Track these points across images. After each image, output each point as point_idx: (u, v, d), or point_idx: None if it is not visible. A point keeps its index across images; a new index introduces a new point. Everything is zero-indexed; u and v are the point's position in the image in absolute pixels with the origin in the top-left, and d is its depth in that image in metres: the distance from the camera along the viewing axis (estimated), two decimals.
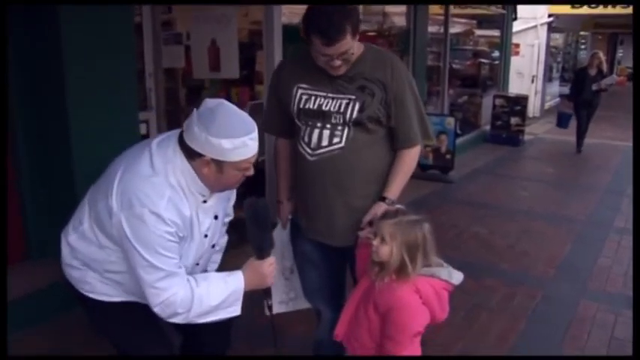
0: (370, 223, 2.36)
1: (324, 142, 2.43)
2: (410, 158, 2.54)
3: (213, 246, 2.22)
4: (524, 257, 5.26)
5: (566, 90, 12.37)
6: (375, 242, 2.14)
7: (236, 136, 1.85)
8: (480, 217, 6.31)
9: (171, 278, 1.92)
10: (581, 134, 10.37)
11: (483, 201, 7.09)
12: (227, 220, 2.36)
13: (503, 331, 3.89)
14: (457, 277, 2.19)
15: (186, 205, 1.96)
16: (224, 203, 2.23)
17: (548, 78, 15.69)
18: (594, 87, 9.99)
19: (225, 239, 2.43)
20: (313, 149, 2.46)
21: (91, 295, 2.11)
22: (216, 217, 2.14)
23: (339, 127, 2.41)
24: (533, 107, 14.13)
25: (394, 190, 2.49)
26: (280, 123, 2.63)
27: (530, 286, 4.60)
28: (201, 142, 1.87)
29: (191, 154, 1.92)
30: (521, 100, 10.99)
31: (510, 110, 10.85)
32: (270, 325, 2.29)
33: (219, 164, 1.90)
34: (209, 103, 1.93)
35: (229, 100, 2.18)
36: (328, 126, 2.42)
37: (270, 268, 2.11)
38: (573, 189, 7.86)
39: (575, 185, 8.08)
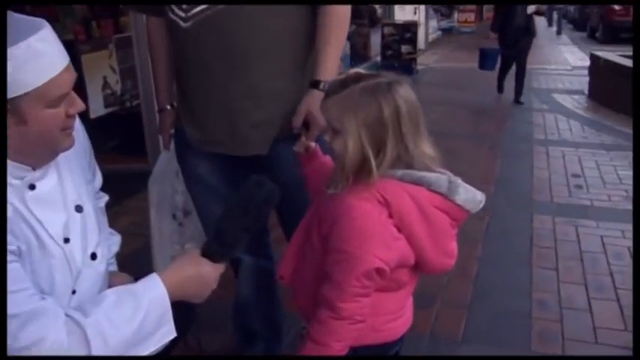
0: (306, 125, 1.69)
1: None
2: (339, 16, 1.78)
3: (93, 257, 1.38)
4: (459, 177, 4.57)
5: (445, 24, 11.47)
6: (327, 136, 1.38)
7: (14, 42, 1.11)
8: None
9: (33, 323, 1.10)
10: (504, 74, 7.88)
11: None
12: (102, 204, 1.59)
13: (462, 261, 3.14)
14: (467, 196, 1.35)
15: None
16: (80, 181, 1.40)
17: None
18: (530, 9, 7.29)
19: (116, 244, 1.63)
20: (187, 10, 1.70)
21: None
22: (78, 209, 1.35)
23: None
24: (418, 39, 13.73)
25: (328, 66, 1.75)
26: None
27: None
28: None
29: None
30: (411, 27, 10.40)
31: (400, 38, 10.23)
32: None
33: (14, 107, 1.14)
34: None
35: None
36: None
37: (216, 279, 1.33)
38: (481, 108, 7.44)
39: (482, 105, 7.68)
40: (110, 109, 4.87)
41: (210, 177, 1.92)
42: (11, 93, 1.12)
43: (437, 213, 1.34)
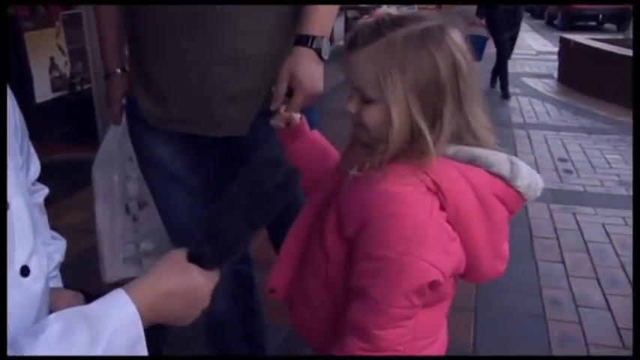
0: (289, 94, 1.31)
1: None
2: None
3: (23, 272, 0.94)
4: None
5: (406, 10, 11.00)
6: (352, 106, 1.01)
7: None
8: None
9: None
10: (503, 66, 6.89)
11: None
12: (40, 199, 1.17)
13: None
14: (530, 180, 1.01)
15: None
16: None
17: None
18: None
19: (59, 251, 1.22)
20: None
21: None
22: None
23: None
24: None
25: (321, 18, 1.35)
26: None
27: None
28: None
29: None
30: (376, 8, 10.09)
31: None
32: None
33: None
34: None
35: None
36: None
37: (209, 293, 0.92)
38: None
39: None
40: (58, 94, 4.43)
41: (171, 162, 1.52)
42: None
43: (496, 204, 1.01)
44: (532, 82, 7.61)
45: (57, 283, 1.23)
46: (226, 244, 0.88)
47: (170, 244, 1.57)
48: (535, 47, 11.58)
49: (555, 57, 8.26)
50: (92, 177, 1.78)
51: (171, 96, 1.41)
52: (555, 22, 16.44)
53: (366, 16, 1.06)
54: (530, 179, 1.01)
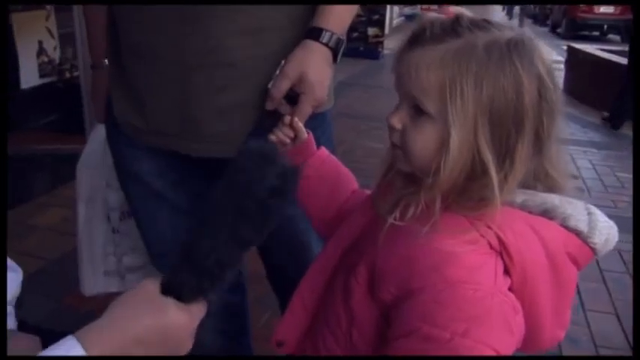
0: (291, 98, 1.08)
1: None
2: None
3: None
4: None
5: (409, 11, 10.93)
6: (397, 119, 0.80)
7: None
8: (366, 131, 5.15)
9: None
10: None
11: (363, 113, 5.84)
12: None
13: None
14: (609, 234, 0.81)
15: None
16: None
17: None
18: None
19: (14, 286, 1.05)
20: None
21: None
22: None
23: None
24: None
25: (339, 13, 1.14)
26: None
27: None
28: None
29: None
30: (379, 9, 9.92)
31: (368, 20, 9.76)
32: None
33: None
34: None
35: None
36: None
37: (191, 334, 0.73)
38: None
39: None
40: (46, 80, 4.19)
41: (155, 178, 1.31)
42: None
43: (568, 264, 0.81)
44: None
45: (12, 321, 1.02)
46: (207, 270, 0.68)
47: (150, 258, 1.41)
48: None
49: (560, 66, 8.08)
50: (76, 176, 1.59)
51: (151, 105, 1.19)
52: (559, 30, 16.27)
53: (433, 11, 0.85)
54: (608, 231, 0.81)
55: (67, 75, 4.34)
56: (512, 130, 0.75)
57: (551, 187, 0.81)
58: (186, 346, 0.73)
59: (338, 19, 1.13)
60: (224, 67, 1.12)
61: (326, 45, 1.10)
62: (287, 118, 1.07)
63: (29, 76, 4.06)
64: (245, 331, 1.55)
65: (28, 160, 3.65)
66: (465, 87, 0.74)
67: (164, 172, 1.30)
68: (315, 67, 1.09)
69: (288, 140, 1.07)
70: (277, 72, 1.09)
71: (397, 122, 0.80)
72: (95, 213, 1.59)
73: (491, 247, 0.76)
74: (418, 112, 0.78)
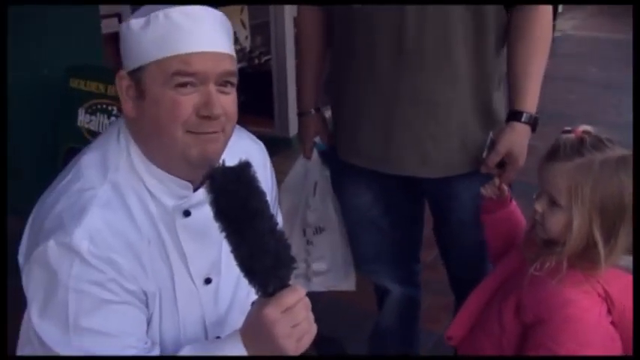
0: (501, 165, 1.43)
1: None
2: (543, 21, 1.45)
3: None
4: None
5: None
6: (539, 205, 1.20)
7: (144, 13, 1.02)
8: None
9: None
10: None
11: None
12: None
13: None
14: None
15: (141, 223, 1.03)
16: None
17: None
18: None
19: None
20: None
21: None
22: None
23: None
24: None
25: (531, 92, 1.45)
26: None
27: None
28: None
29: None
30: None
31: None
32: None
33: (137, 80, 1.02)
34: None
35: None
36: None
37: (288, 318, 0.94)
38: (628, 91, 6.68)
39: (629, 87, 6.86)
40: (238, 65, 4.76)
41: (369, 209, 1.68)
42: (140, 59, 1.01)
43: None
44: None
45: None
46: (257, 268, 0.91)
47: (339, 267, 1.83)
48: None
49: None
50: (280, 196, 1.98)
51: (376, 134, 1.52)
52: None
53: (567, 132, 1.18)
54: None
55: (256, 61, 4.92)
56: (616, 219, 1.11)
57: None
58: (290, 340, 0.93)
59: (533, 100, 1.45)
60: (435, 104, 1.46)
61: (527, 123, 1.43)
62: (496, 181, 1.42)
63: None
64: (416, 316, 1.93)
65: None
66: (584, 191, 1.11)
67: (378, 202, 1.66)
68: (519, 144, 1.42)
69: (494, 197, 1.42)
70: (488, 143, 1.43)
71: (539, 207, 1.18)
72: (293, 226, 1.87)
73: (598, 295, 1.12)
74: (553, 203, 1.15)
